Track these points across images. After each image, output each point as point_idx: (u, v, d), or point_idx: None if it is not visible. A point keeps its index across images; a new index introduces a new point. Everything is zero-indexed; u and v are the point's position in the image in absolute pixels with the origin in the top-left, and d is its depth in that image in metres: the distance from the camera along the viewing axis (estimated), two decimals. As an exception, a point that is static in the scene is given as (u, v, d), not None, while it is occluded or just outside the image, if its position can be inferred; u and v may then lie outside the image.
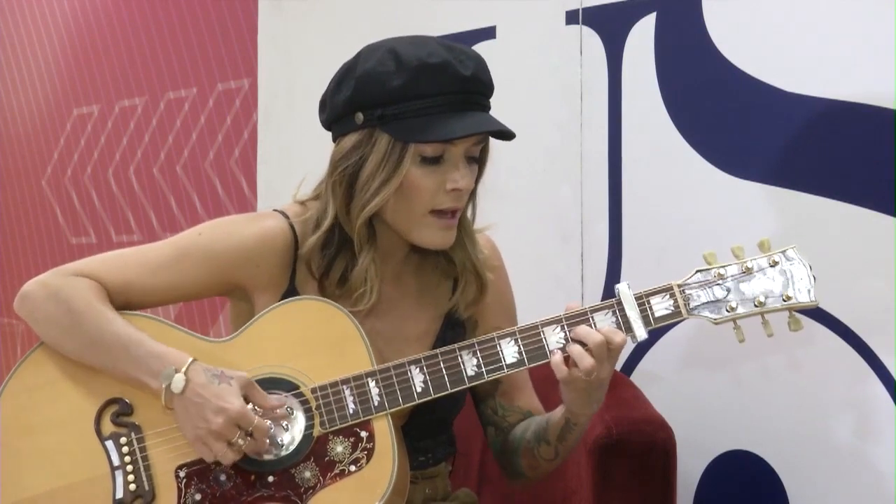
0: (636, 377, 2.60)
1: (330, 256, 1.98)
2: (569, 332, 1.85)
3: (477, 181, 2.00)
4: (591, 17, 2.74)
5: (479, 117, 1.91)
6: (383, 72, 1.88)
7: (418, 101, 1.88)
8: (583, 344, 1.84)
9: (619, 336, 1.83)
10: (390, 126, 1.89)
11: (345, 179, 1.93)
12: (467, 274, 2.03)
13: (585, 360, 1.82)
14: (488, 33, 2.96)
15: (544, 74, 2.84)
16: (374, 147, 1.90)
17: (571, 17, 2.77)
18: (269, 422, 1.86)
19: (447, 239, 1.95)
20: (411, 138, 1.88)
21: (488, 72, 1.94)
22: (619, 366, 2.62)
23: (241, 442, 1.82)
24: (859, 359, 2.29)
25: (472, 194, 2.01)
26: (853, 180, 2.30)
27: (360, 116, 1.91)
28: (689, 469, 2.50)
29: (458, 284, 2.05)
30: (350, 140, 1.92)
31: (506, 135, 1.93)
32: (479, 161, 1.98)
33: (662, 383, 2.59)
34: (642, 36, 2.63)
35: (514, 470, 2.07)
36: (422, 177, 1.90)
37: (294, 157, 3.41)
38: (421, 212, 1.92)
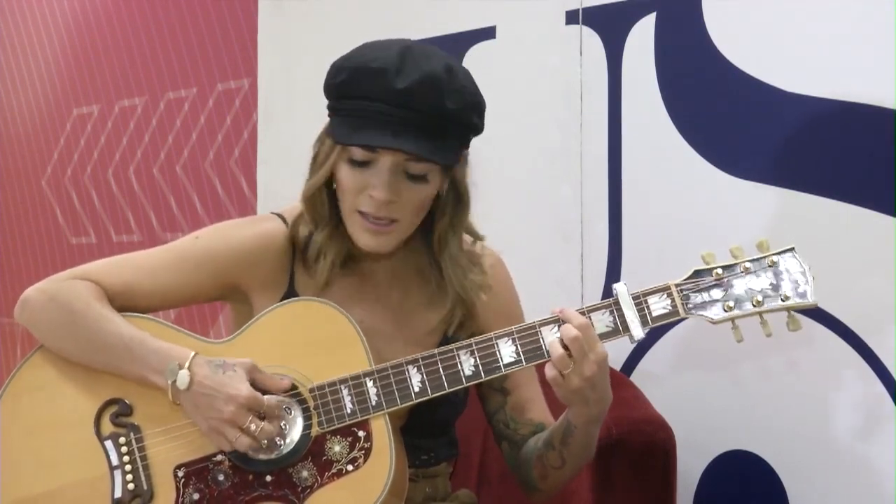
0: (636, 377, 2.60)
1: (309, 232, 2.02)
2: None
3: (456, 213, 1.98)
4: (591, 17, 2.74)
5: (397, 133, 1.86)
6: (339, 66, 1.91)
7: (353, 101, 1.89)
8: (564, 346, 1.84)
9: (577, 318, 1.83)
10: (333, 120, 1.93)
11: (312, 159, 1.99)
12: (453, 298, 2.02)
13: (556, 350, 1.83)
14: (488, 33, 2.96)
15: (544, 74, 2.84)
16: (327, 136, 1.95)
17: (571, 17, 2.78)
18: (277, 399, 1.86)
19: (374, 244, 1.94)
20: (333, 136, 1.91)
21: (437, 93, 1.85)
22: (619, 366, 2.62)
23: (253, 427, 1.83)
24: (859, 359, 2.29)
25: (451, 222, 1.99)
26: (853, 180, 2.29)
27: (328, 105, 1.96)
28: (689, 469, 2.50)
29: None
30: (326, 125, 1.97)
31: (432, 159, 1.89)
32: (444, 187, 1.96)
33: (662, 383, 2.59)
34: (642, 36, 2.64)
35: (528, 483, 2.06)
36: (348, 176, 1.92)
37: (294, 157, 3.38)
38: (349, 208, 1.94)
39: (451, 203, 1.98)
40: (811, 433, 2.37)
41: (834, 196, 2.32)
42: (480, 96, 1.94)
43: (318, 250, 1.99)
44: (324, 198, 1.97)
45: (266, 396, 1.85)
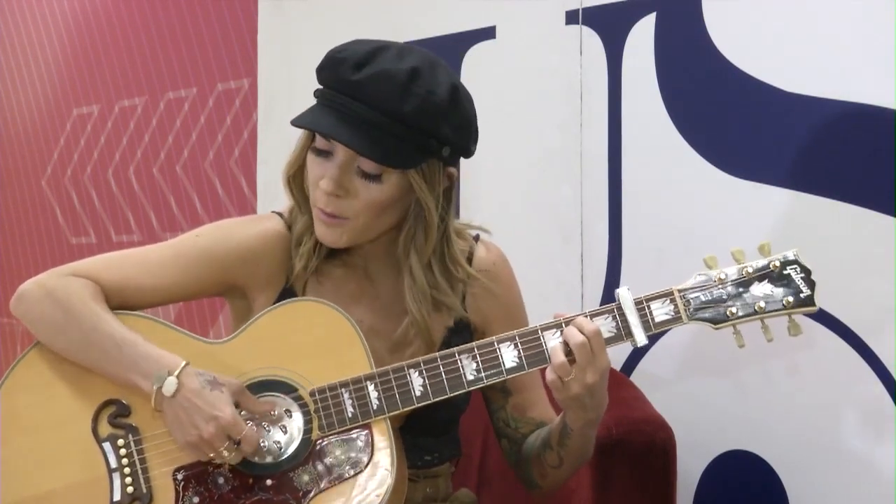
0: (636, 377, 2.60)
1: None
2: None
3: (416, 234, 1.96)
4: (591, 17, 2.74)
5: (348, 126, 1.86)
6: (325, 55, 1.92)
7: (322, 89, 1.91)
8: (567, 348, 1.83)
9: (588, 325, 1.82)
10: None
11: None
12: (409, 318, 1.99)
13: (558, 356, 1.83)
14: (488, 33, 2.96)
15: (544, 74, 2.83)
16: None
17: (571, 17, 2.77)
18: (255, 427, 1.85)
19: (327, 237, 1.94)
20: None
21: (391, 91, 1.84)
22: (619, 366, 2.62)
23: (225, 454, 1.82)
24: (859, 359, 2.29)
25: (412, 241, 1.97)
26: (853, 180, 2.29)
27: None
28: (689, 469, 2.50)
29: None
30: None
31: (370, 155, 1.87)
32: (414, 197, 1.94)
33: (662, 383, 2.59)
34: (642, 36, 2.63)
35: (528, 480, 2.07)
36: (311, 164, 1.94)
37: (294, 157, 3.41)
38: (313, 199, 1.95)
39: (413, 218, 1.96)
40: (811, 433, 2.37)
41: (834, 196, 2.31)
42: (456, 108, 1.90)
43: (300, 235, 2.00)
44: (301, 183, 1.99)
45: (248, 426, 1.83)
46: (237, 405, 1.85)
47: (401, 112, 1.84)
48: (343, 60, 1.87)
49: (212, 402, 1.82)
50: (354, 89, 1.85)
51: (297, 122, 1.90)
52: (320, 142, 1.91)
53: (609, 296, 2.68)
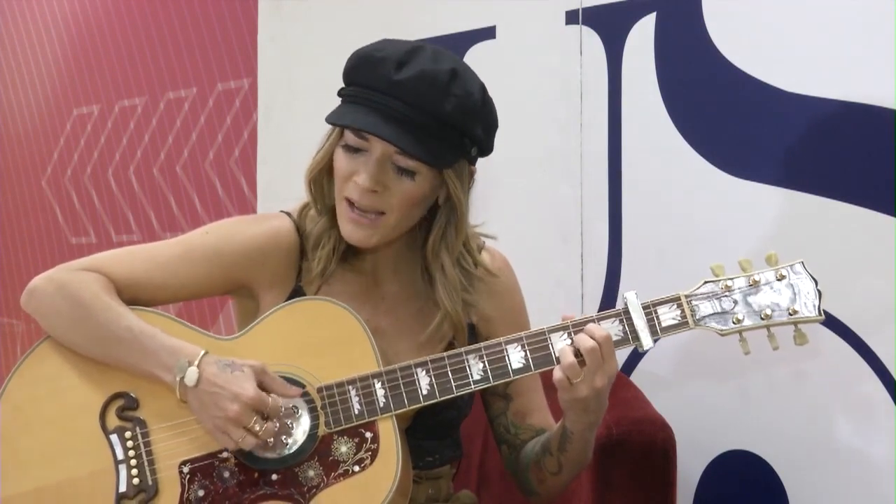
0: (636, 378, 2.61)
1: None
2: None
3: (448, 228, 1.99)
4: (591, 17, 2.74)
5: (382, 121, 1.87)
6: (353, 53, 1.93)
7: (354, 87, 1.92)
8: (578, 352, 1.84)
9: (599, 331, 1.83)
10: (339, 104, 1.95)
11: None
12: (442, 314, 2.00)
13: (568, 358, 1.83)
14: (488, 33, 2.97)
15: (544, 74, 2.84)
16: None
17: (571, 17, 2.78)
18: (281, 401, 1.86)
19: (357, 235, 1.94)
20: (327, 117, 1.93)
21: (434, 92, 1.86)
22: (619, 366, 2.62)
23: (257, 427, 1.83)
24: (859, 359, 2.29)
25: (443, 235, 1.99)
26: (853, 180, 2.30)
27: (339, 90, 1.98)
28: (689, 469, 2.50)
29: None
30: None
31: (410, 153, 1.88)
32: (437, 199, 1.97)
33: (662, 383, 2.59)
34: (642, 36, 2.64)
35: (526, 487, 2.07)
36: (341, 160, 1.94)
37: (294, 157, 3.39)
38: (339, 195, 1.95)
39: (445, 216, 1.99)
40: (811, 433, 2.37)
41: (834, 196, 2.32)
42: (487, 110, 1.94)
43: (318, 237, 2.01)
44: (324, 182, 1.99)
45: (272, 397, 1.85)
46: (260, 386, 1.85)
47: (442, 112, 1.87)
48: (383, 60, 1.88)
49: (233, 381, 1.83)
50: (396, 88, 1.87)
51: (335, 121, 1.91)
52: (352, 139, 1.92)
53: (609, 295, 2.68)
